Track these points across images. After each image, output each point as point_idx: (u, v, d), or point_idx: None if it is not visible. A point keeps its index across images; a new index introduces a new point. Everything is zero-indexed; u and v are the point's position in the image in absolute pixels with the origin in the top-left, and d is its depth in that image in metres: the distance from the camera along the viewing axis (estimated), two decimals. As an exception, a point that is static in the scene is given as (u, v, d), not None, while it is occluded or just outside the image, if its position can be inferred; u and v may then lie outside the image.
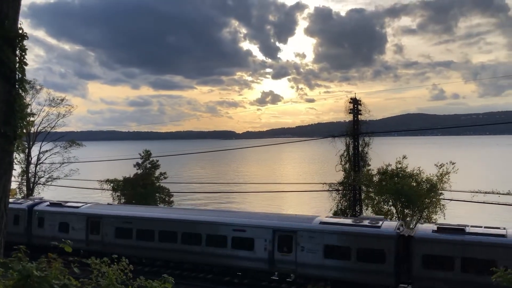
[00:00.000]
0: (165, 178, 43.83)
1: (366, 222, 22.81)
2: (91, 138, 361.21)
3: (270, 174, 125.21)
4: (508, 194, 29.51)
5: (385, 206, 31.48)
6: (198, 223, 25.74)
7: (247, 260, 24.20)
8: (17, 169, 43.46)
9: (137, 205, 36.34)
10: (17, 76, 5.41)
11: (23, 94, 5.52)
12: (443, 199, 30.58)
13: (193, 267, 26.08)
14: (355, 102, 36.53)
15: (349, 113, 36.70)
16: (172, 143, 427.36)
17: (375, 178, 32.49)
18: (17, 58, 5.39)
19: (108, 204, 31.72)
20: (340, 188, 36.49)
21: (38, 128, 45.47)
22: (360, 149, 36.92)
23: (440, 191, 30.35)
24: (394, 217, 30.30)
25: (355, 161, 36.60)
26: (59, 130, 47.78)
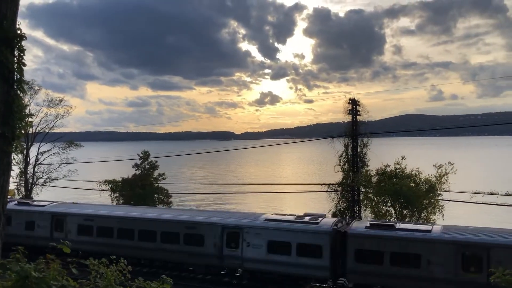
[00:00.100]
0: (163, 179, 43.75)
1: (307, 219, 23.78)
2: (90, 138, 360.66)
3: (268, 174, 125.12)
4: (506, 194, 29.54)
5: (383, 207, 31.45)
6: (153, 220, 26.83)
7: (198, 255, 25.26)
8: (15, 170, 43.36)
9: (100, 204, 37.41)
10: (15, 76, 5.41)
11: (21, 94, 5.51)
12: (442, 199, 30.57)
13: (149, 263, 26.84)
14: (353, 102, 36.50)
15: (348, 113, 36.66)
16: (171, 143, 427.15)
17: (374, 179, 32.45)
18: (15, 58, 5.38)
19: (73, 203, 32.47)
20: (338, 189, 36.45)
21: (36, 128, 45.33)
22: (358, 149, 36.89)
23: (439, 192, 30.34)
24: (393, 218, 30.30)
25: (354, 162, 36.57)
26: (57, 130, 47.71)
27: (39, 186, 46.19)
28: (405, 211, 30.44)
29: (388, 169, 31.96)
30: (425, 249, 20.59)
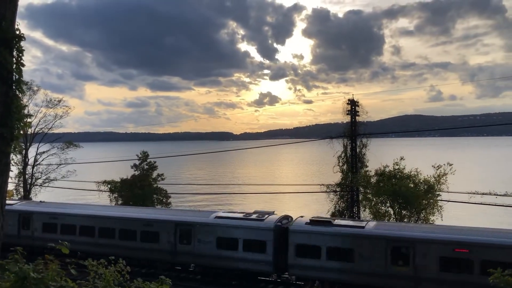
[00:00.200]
0: (162, 179, 43.67)
1: (254, 216, 24.83)
2: (89, 139, 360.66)
3: (267, 175, 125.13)
4: (505, 195, 29.57)
5: (382, 208, 31.44)
6: (112, 218, 27.92)
7: (154, 251, 26.32)
8: (14, 171, 43.32)
9: (65, 203, 37.32)
10: (14, 77, 5.40)
11: (20, 95, 5.51)
12: (441, 200, 30.58)
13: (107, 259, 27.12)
14: (352, 103, 36.50)
15: (347, 114, 36.65)
16: (170, 144, 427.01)
17: (373, 180, 32.44)
18: (14, 59, 5.38)
19: (40, 201, 33.03)
20: (337, 189, 36.45)
21: (35, 129, 45.33)
22: (357, 150, 36.88)
23: (438, 192, 30.35)
24: (392, 218, 30.31)
25: (353, 162, 36.56)
26: (56, 131, 47.71)
27: (37, 186, 46.15)
28: (404, 212, 30.45)
29: (387, 169, 31.95)
30: (357, 244, 21.73)
